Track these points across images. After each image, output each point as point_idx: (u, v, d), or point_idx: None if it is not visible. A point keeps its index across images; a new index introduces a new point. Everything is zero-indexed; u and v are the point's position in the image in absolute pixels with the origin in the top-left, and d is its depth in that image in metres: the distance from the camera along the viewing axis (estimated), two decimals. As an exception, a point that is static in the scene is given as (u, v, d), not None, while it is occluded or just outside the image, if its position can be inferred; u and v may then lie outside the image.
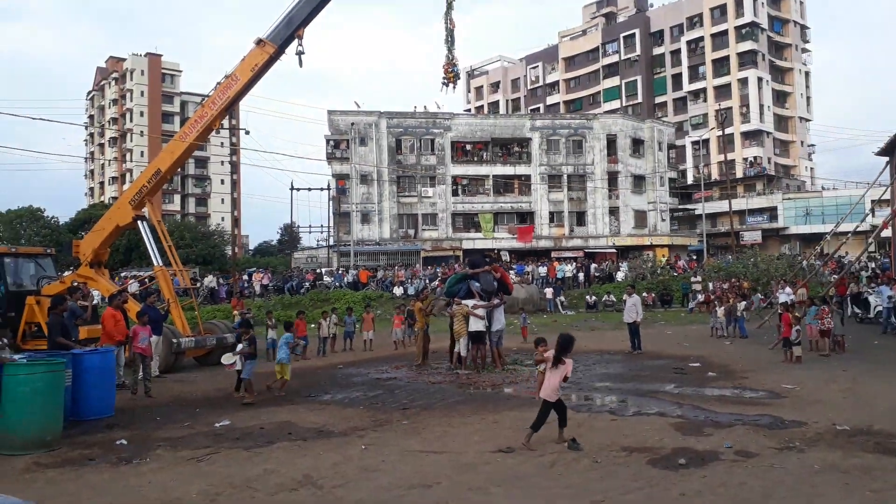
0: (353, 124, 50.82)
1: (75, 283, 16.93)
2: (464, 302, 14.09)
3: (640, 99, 78.46)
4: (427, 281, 36.61)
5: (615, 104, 78.80)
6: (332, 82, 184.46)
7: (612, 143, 55.16)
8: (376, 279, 38.75)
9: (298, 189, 52.10)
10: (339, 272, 41.43)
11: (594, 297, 34.33)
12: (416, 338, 16.08)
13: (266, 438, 8.28)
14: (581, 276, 40.33)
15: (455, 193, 52.87)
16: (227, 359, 11.95)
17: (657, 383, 12.14)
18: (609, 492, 5.88)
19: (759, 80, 71.67)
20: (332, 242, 51.27)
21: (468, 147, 53.77)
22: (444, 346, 15.64)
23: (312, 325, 20.96)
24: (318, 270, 43.33)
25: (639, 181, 56.38)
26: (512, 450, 7.42)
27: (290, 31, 15.85)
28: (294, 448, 7.79)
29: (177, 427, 9.19)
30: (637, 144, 56.80)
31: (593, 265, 42.76)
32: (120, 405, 10.45)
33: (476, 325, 13.76)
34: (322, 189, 50.80)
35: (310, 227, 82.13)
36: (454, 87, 16.64)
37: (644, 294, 32.65)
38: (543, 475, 6.52)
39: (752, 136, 72.20)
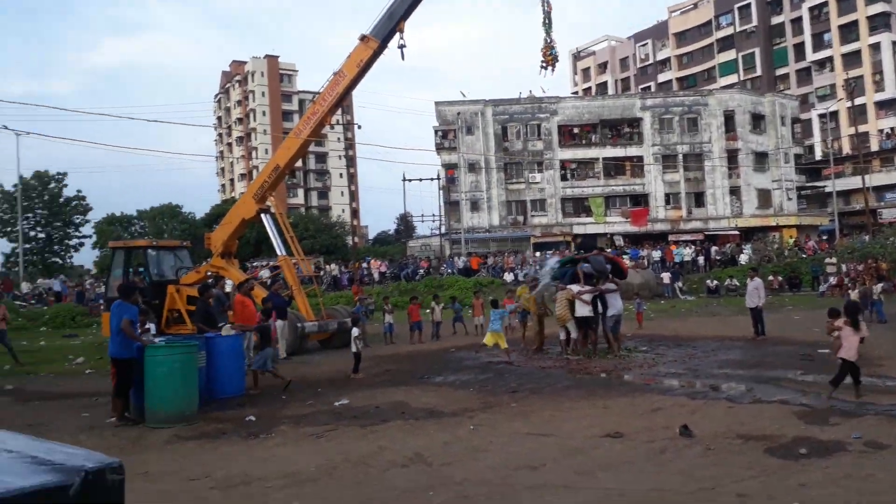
0: (459, 114, 51.14)
1: (210, 273, 18.21)
2: (569, 287, 13.85)
3: (759, 72, 73.60)
4: (538, 267, 36.37)
5: (732, 79, 74.39)
6: (438, 73, 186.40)
7: (729, 119, 52.26)
8: (487, 266, 38.95)
9: (410, 180, 53.44)
10: (451, 259, 42.00)
11: (715, 282, 32.81)
12: (530, 323, 15.97)
13: (381, 417, 8.61)
14: (701, 259, 38.62)
15: (564, 178, 52.04)
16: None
17: (781, 370, 11.45)
18: (721, 479, 5.66)
19: (894, 44, 65.25)
20: (443, 231, 51.99)
21: (576, 130, 52.69)
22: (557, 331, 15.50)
23: (426, 311, 21.42)
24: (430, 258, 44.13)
25: (761, 158, 53.13)
26: (621, 435, 7.28)
27: (391, 25, 16.17)
28: (406, 427, 8.05)
29: (300, 405, 9.73)
30: (757, 120, 53.50)
31: (714, 248, 40.82)
32: (249, 385, 11.15)
33: (582, 310, 13.48)
34: (432, 179, 51.62)
35: (422, 216, 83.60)
36: (553, 71, 16.37)
37: (770, 277, 30.88)
38: (652, 461, 6.37)
39: (888, 106, 65.88)
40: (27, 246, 55.56)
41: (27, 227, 56.32)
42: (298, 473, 6.29)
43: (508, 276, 35.57)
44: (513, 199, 51.85)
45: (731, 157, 52.08)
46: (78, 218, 61.62)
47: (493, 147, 51.18)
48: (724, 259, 38.42)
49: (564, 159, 52.01)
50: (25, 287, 39.78)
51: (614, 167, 52.17)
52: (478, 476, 6.06)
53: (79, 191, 61.59)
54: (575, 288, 13.63)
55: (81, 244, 62.87)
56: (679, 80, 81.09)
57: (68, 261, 62.13)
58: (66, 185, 60.34)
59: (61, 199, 59.95)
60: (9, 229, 55.93)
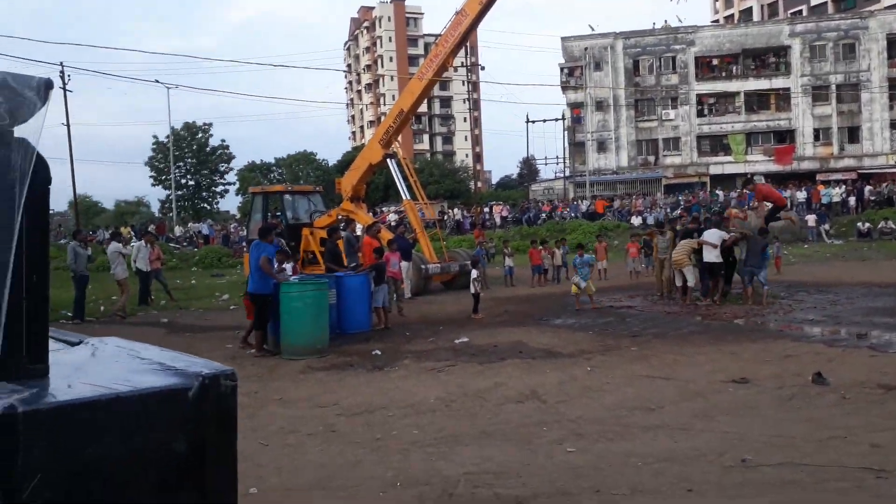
0: (586, 49, 49.19)
1: (340, 216, 19.07)
2: (706, 233, 13.13)
3: (936, -15, 64.72)
4: (668, 210, 34.97)
5: (902, -5, 65.98)
6: (564, 7, 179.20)
7: (893, 43, 46.66)
8: (613, 209, 37.95)
9: (534, 121, 52.24)
10: (575, 203, 41.28)
11: (867, 225, 30.06)
12: (654, 268, 15.52)
13: (498, 355, 8.81)
14: (852, 200, 35.46)
15: (700, 114, 49.05)
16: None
17: (937, 319, 10.47)
18: (854, 429, 5.35)
19: None
20: (567, 173, 50.95)
21: (714, 62, 49.21)
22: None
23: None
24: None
25: (931, 86, 47.30)
26: (747, 380, 7.03)
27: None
28: (523, 365, 8.20)
29: (422, 342, 10.16)
30: (930, 42, 47.43)
31: (868, 188, 37.27)
32: (375, 322, 11.70)
33: (709, 255, 12.80)
34: (557, 120, 50.37)
35: (545, 159, 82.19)
36: None
37: (934, 219, 27.91)
38: (779, 407, 6.12)
39: None
40: (179, 193, 60.68)
41: (178, 175, 61.36)
42: (418, 404, 6.63)
43: (636, 220, 34.49)
44: (643, 138, 49.72)
45: (894, 85, 46.74)
46: (223, 166, 66.28)
47: (622, 83, 49.03)
48: (879, 200, 35.02)
49: (702, 93, 48.91)
50: (178, 230, 43.66)
51: (757, 101, 48.46)
52: (592, 415, 6.11)
53: (223, 140, 66.11)
54: (713, 237, 12.83)
55: (226, 191, 67.87)
56: (835, 1, 72.98)
57: (215, 206, 67.32)
58: (211, 135, 64.90)
59: (208, 149, 64.55)
60: (163, 177, 61.18)
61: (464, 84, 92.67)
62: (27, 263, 1.45)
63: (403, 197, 18.48)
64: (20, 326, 1.47)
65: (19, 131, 1.41)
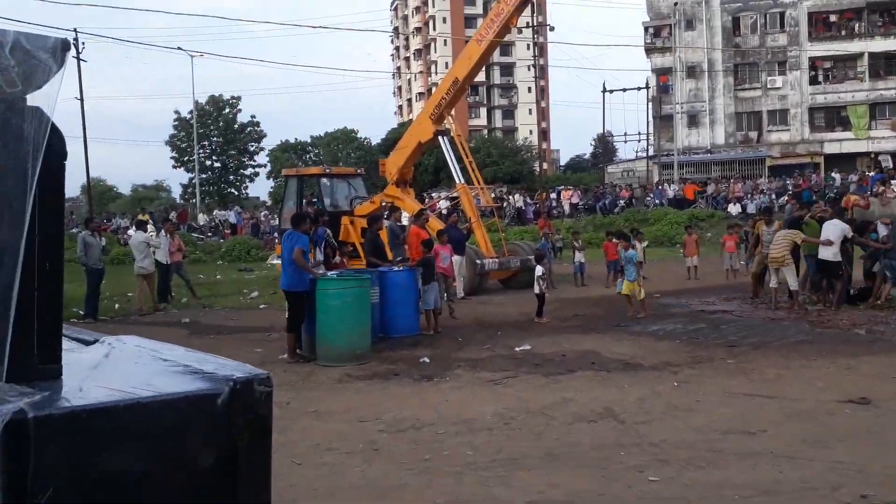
0: (676, 4, 48.24)
1: (384, 203, 19.26)
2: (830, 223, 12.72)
3: None
4: (773, 196, 34.07)
5: None
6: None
7: None
8: (705, 195, 37.21)
9: (612, 91, 51.21)
10: (660, 187, 40.65)
11: None
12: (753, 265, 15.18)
13: (567, 366, 8.80)
14: None
15: (814, 81, 47.62)
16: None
17: None
18: None
19: None
20: (651, 152, 50.17)
21: (832, 18, 47.63)
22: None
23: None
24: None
25: None
26: (867, 401, 6.84)
27: None
28: (596, 378, 8.17)
29: (477, 349, 10.23)
30: None
31: None
32: (423, 325, 11.77)
33: (825, 252, 12.38)
34: (640, 88, 49.54)
35: (625, 135, 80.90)
36: None
37: None
38: (908, 434, 5.92)
39: None
40: (203, 176, 62.25)
41: (203, 156, 62.93)
42: (473, 421, 6.65)
43: (733, 208, 33.72)
44: (744, 111, 48.62)
45: None
46: (252, 145, 67.73)
47: (719, 45, 48.06)
48: None
49: (816, 56, 47.41)
50: (202, 219, 44.81)
51: (885, 65, 46.65)
52: (679, 438, 6.04)
53: (253, 116, 67.43)
54: (832, 232, 12.41)
55: (256, 174, 69.47)
56: None
57: (244, 191, 68.89)
58: (240, 111, 66.40)
59: (236, 126, 66.04)
60: (186, 158, 62.87)
61: (529, 48, 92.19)
62: (40, 250, 1.50)
63: (457, 181, 18.54)
64: (31, 321, 1.52)
65: (33, 98, 1.45)
